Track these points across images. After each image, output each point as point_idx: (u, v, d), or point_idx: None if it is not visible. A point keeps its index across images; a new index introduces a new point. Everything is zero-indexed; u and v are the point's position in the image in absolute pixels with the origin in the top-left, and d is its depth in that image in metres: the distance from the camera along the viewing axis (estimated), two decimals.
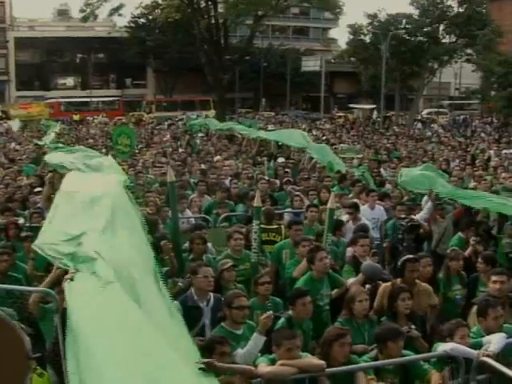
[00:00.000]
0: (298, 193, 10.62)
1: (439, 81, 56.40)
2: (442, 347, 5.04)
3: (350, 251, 7.82)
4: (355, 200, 9.96)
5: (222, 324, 5.53)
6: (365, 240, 7.45)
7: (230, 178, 12.67)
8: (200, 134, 26.20)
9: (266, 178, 12.44)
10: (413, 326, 5.64)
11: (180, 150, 20.18)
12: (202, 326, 5.85)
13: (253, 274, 7.06)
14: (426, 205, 9.56)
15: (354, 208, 9.19)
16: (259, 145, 18.94)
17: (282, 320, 5.66)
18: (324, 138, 26.63)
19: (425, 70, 48.32)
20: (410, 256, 6.79)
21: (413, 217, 9.16)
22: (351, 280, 6.84)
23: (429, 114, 57.80)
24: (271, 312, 5.30)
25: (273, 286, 7.11)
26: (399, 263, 6.67)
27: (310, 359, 4.81)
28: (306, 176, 12.50)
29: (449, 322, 5.39)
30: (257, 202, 7.43)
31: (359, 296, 5.85)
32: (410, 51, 46.38)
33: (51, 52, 67.31)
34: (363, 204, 9.79)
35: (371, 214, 9.59)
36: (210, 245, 7.87)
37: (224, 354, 4.65)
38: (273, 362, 4.71)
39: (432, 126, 43.99)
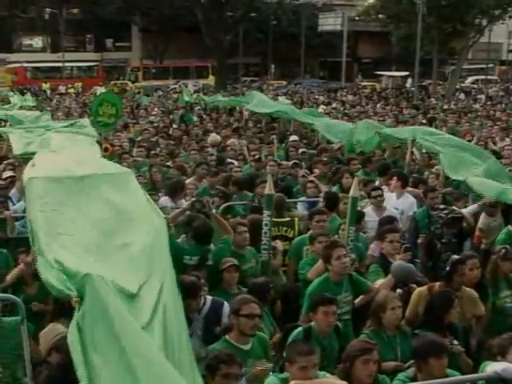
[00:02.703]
0: (312, 178, 10.61)
1: (488, 41, 55.91)
2: (491, 367, 4.99)
3: (373, 249, 7.80)
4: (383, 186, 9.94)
5: (226, 337, 5.50)
6: (394, 235, 7.41)
7: (228, 160, 12.70)
8: (197, 107, 26.18)
9: (276, 159, 12.44)
10: (455, 342, 5.61)
11: (174, 126, 20.19)
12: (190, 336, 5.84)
13: (262, 274, 7.08)
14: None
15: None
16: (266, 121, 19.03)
17: (298, 330, 5.64)
18: (346, 111, 26.49)
19: (470, 27, 47.80)
20: (461, 257, 6.78)
21: (454, 208, 9.10)
22: (379, 283, 6.82)
23: (474, 82, 57.45)
24: (271, 365, 5.22)
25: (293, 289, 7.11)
26: (448, 265, 6.62)
27: (330, 380, 4.79)
28: (326, 159, 12.50)
29: (500, 336, 5.35)
30: (268, 189, 7.40)
31: (391, 303, 5.81)
32: (451, 5, 45.86)
33: (14, 5, 66.99)
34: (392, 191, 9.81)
35: (396, 203, 9.55)
36: None
37: (229, 377, 4.61)
38: (284, 383, 4.69)
39: (478, 97, 43.71)
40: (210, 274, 6.51)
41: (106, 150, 13.31)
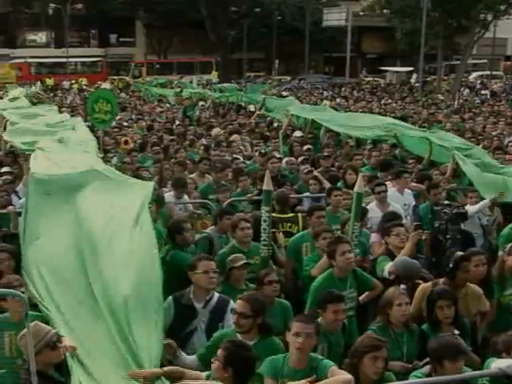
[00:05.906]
0: (316, 174, 10.59)
1: (493, 36, 55.74)
2: (496, 364, 4.98)
3: (375, 236, 7.91)
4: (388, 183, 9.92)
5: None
6: (399, 229, 7.42)
7: (232, 156, 12.69)
8: (201, 103, 26.12)
9: (278, 155, 12.39)
10: (456, 332, 5.60)
11: (176, 123, 20.20)
12: (193, 330, 5.82)
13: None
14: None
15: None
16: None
17: None
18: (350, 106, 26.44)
19: (475, 23, 47.66)
20: (465, 254, 6.73)
21: (468, 206, 9.10)
22: (387, 267, 6.86)
23: (479, 77, 57.26)
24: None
25: (291, 286, 7.07)
26: (452, 262, 6.58)
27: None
28: (326, 154, 12.46)
29: (505, 333, 5.33)
30: (266, 185, 7.35)
31: (398, 299, 5.77)
32: (457, 0, 45.75)
33: (18, 1, 67.02)
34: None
35: (401, 199, 9.56)
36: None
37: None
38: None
39: (483, 92, 43.60)
40: None
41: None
